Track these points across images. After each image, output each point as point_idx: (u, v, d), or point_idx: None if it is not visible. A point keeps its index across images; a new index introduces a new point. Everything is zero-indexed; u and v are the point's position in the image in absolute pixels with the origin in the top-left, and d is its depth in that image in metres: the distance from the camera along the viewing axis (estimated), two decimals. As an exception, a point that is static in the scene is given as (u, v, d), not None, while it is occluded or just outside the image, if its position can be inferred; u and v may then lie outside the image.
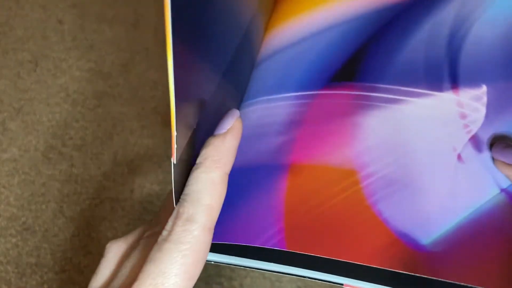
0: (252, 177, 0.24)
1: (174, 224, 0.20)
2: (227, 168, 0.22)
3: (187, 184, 0.21)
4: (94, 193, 0.39)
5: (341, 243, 0.21)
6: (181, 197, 0.21)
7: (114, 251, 0.23)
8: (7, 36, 0.49)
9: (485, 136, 0.23)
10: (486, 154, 0.23)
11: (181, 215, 0.20)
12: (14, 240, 0.37)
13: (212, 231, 0.20)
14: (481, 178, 0.22)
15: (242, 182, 0.24)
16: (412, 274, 0.19)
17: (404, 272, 0.19)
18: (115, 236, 0.37)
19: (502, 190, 0.22)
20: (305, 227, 0.21)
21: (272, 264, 0.22)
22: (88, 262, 0.36)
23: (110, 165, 0.41)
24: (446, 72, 0.25)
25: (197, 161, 0.22)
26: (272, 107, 0.26)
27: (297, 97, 0.26)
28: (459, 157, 0.23)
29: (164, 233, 0.20)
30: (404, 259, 0.20)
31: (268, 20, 0.31)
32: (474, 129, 0.23)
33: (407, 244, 0.20)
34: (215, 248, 0.23)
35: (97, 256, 0.36)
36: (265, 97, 0.27)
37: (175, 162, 0.20)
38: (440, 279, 0.19)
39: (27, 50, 0.48)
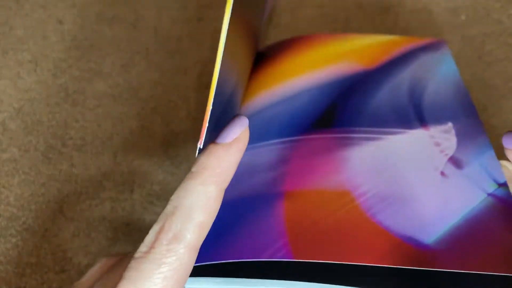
0: (248, 206, 0.24)
1: (157, 239, 0.17)
2: (226, 184, 0.19)
3: (177, 194, 0.18)
4: (94, 193, 0.39)
5: (348, 248, 0.21)
6: (168, 208, 0.18)
7: (104, 261, 0.22)
8: (7, 36, 0.49)
9: (462, 157, 0.26)
10: (467, 170, 0.25)
11: (167, 230, 0.17)
12: (14, 240, 0.37)
13: (198, 250, 0.18)
14: (467, 187, 0.24)
15: (238, 211, 0.24)
16: (422, 269, 0.20)
17: (414, 268, 0.20)
18: (115, 236, 0.37)
19: (489, 194, 0.24)
20: (310, 239, 0.22)
21: (283, 282, 0.21)
22: (88, 262, 0.36)
23: (110, 165, 0.41)
24: (413, 116, 0.29)
25: (193, 169, 0.19)
26: (259, 152, 0.28)
27: (281, 142, 0.28)
28: (442, 173, 0.25)
29: (143, 248, 0.17)
30: (412, 257, 0.21)
31: (243, 94, 0.35)
32: (450, 153, 0.26)
33: (412, 245, 0.21)
34: (213, 271, 0.21)
35: (98, 256, 0.36)
36: (249, 145, 0.28)
37: (201, 147, 0.19)
38: (447, 270, 0.20)
39: (27, 50, 0.48)
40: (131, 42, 0.49)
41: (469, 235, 0.22)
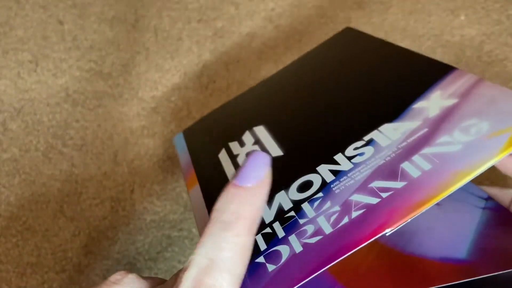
0: None
1: None
2: (256, 229, 0.18)
3: (210, 245, 0.17)
4: (94, 193, 0.39)
5: (401, 285, 0.23)
6: (201, 261, 0.17)
7: (137, 283, 0.20)
8: (7, 36, 0.49)
9: None
10: (452, 194, 0.27)
11: (206, 286, 0.16)
12: (14, 240, 0.37)
13: None
14: (462, 208, 0.27)
15: None
16: (474, 279, 0.23)
17: (467, 280, 0.23)
18: (115, 236, 0.37)
19: (484, 208, 0.26)
20: (361, 281, 0.24)
21: None
22: (88, 262, 0.36)
23: (110, 165, 0.41)
24: None
25: (225, 218, 0.17)
26: None
27: None
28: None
29: None
30: (459, 273, 0.23)
31: None
32: None
33: (453, 263, 0.23)
34: None
35: (98, 256, 0.36)
36: None
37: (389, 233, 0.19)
38: (492, 274, 0.22)
39: (27, 50, 0.48)
40: (131, 42, 0.49)
41: (490, 244, 0.24)
